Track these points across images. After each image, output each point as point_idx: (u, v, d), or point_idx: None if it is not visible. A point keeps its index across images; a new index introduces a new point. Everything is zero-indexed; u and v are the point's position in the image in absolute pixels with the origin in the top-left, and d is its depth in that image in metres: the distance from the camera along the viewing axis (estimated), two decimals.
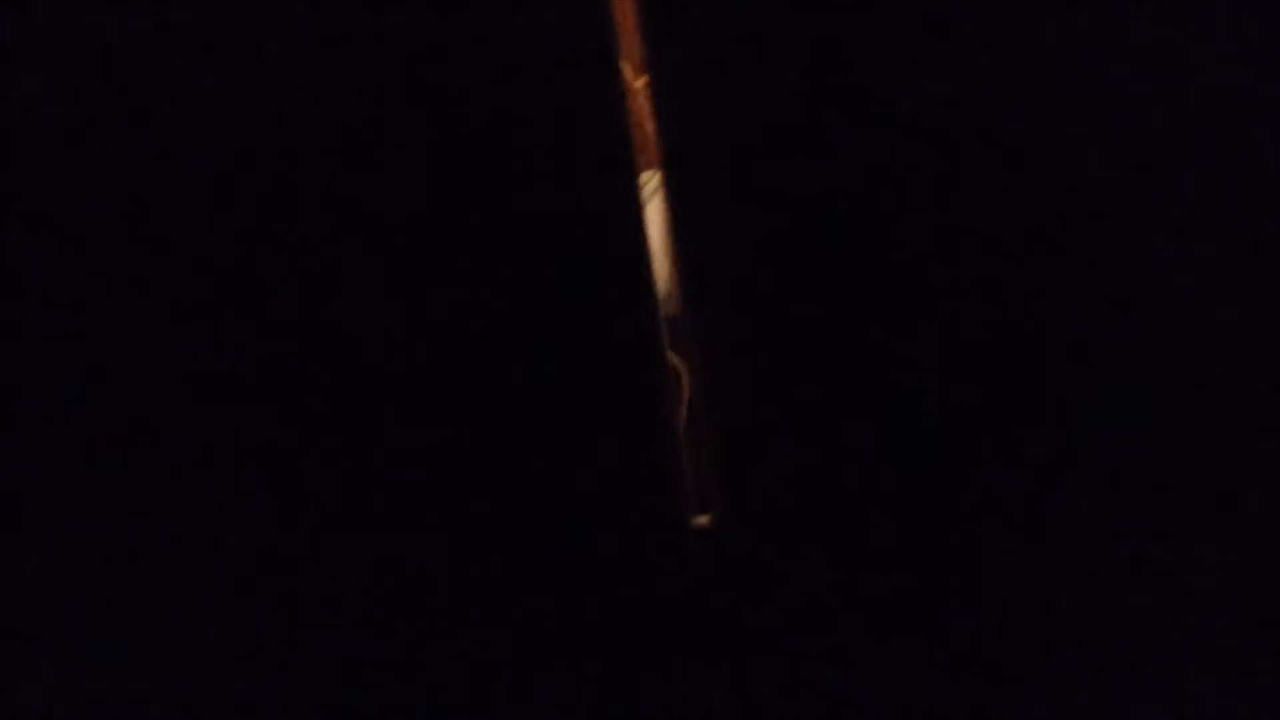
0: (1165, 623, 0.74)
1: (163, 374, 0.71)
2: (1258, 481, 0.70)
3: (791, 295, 0.70)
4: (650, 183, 0.74)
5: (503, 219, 0.69)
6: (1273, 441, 0.69)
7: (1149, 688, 0.75)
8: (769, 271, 0.69)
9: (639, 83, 0.74)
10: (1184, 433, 0.70)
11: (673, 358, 0.77)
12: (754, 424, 0.73)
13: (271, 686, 0.77)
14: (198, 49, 0.66)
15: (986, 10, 0.64)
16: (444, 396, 0.72)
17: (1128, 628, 0.75)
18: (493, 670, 0.77)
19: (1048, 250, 0.67)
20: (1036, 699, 0.76)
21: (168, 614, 0.75)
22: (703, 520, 0.75)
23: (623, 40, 0.69)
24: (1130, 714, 0.75)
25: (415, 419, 0.72)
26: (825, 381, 0.71)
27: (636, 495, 0.74)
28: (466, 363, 0.71)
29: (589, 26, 0.66)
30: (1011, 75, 0.65)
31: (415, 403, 0.72)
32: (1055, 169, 0.66)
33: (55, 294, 0.69)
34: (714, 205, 0.69)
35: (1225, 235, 0.66)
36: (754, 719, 0.77)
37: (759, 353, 0.71)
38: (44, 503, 0.74)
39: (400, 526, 0.74)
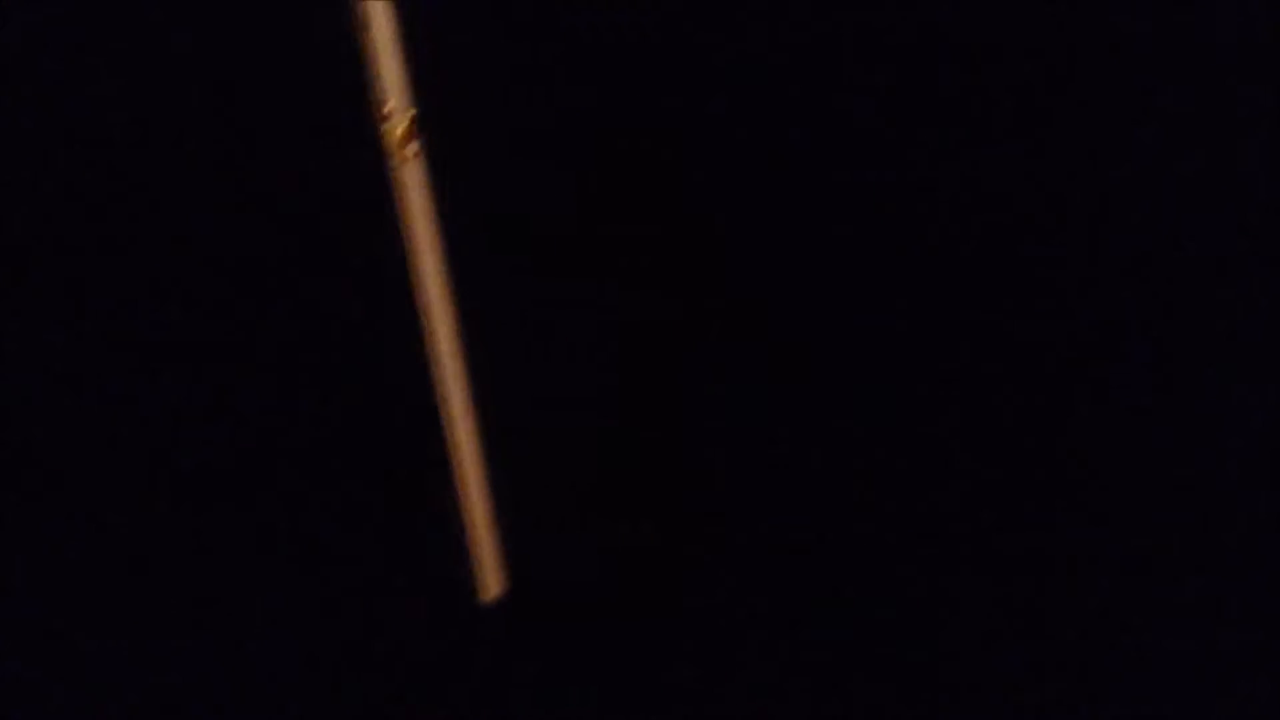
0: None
1: None
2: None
3: (576, 379, 0.72)
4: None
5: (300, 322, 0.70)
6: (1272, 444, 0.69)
7: None
8: (549, 346, 0.72)
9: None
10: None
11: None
12: (539, 504, 0.75)
13: None
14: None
15: None
16: (237, 484, 0.73)
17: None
18: None
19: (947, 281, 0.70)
20: None
21: None
22: (492, 597, 0.76)
23: None
24: None
25: (209, 503, 0.73)
26: (605, 461, 0.75)
27: (426, 576, 0.75)
28: (256, 450, 0.73)
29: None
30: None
31: (212, 485, 0.73)
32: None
33: None
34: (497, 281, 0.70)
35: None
36: None
37: (545, 435, 0.74)
38: None
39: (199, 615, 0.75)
